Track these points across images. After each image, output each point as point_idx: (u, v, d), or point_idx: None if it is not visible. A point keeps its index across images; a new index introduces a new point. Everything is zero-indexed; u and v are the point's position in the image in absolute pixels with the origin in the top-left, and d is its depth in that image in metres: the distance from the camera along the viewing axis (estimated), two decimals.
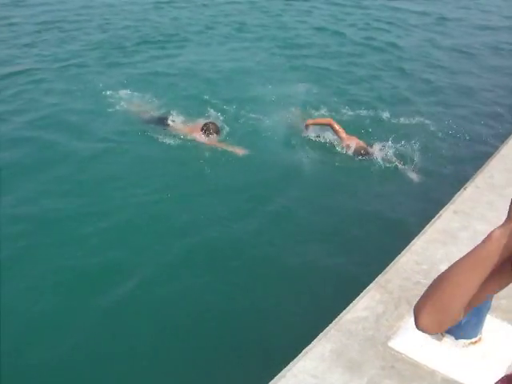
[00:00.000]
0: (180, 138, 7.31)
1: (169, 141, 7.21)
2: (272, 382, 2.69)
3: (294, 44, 11.86)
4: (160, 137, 7.26)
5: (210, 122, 7.49)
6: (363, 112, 8.80)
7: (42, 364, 4.00)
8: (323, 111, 8.31)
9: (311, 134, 7.22)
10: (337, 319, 3.08)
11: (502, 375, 2.63)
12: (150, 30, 12.63)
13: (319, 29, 13.77)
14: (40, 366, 3.98)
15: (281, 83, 9.31)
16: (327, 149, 7.02)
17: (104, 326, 4.40)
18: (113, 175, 6.52)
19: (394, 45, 13.18)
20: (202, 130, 7.31)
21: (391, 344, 2.93)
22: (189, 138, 7.38)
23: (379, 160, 6.82)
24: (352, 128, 7.61)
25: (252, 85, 9.76)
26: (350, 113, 8.48)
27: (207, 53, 11.84)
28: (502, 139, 6.14)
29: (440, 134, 8.45)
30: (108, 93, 9.11)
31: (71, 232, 5.46)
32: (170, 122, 7.57)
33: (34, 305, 4.52)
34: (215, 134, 7.38)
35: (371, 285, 3.37)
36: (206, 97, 8.84)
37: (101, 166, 6.71)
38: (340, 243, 6.00)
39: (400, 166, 6.76)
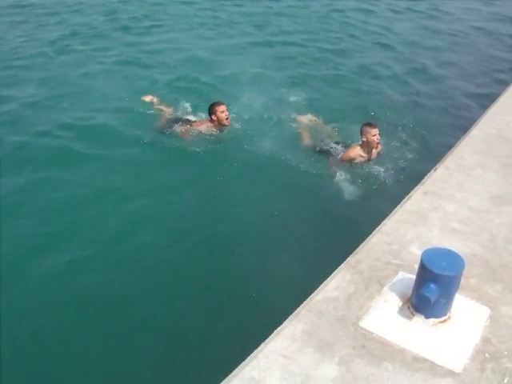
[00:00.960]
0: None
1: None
2: (243, 363, 2.72)
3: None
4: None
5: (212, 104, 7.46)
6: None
7: None
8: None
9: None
10: (308, 300, 3.12)
11: (470, 352, 2.73)
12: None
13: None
14: None
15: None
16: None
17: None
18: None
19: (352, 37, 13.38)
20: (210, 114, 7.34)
21: (362, 324, 2.99)
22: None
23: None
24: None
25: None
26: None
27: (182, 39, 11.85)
28: (472, 122, 6.24)
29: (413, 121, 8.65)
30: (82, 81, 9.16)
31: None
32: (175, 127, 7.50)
33: None
34: (222, 105, 7.35)
35: (342, 265, 3.43)
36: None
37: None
38: (312, 228, 6.12)
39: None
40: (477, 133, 5.59)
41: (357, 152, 6.93)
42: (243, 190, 6.58)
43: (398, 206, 4.15)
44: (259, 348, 2.78)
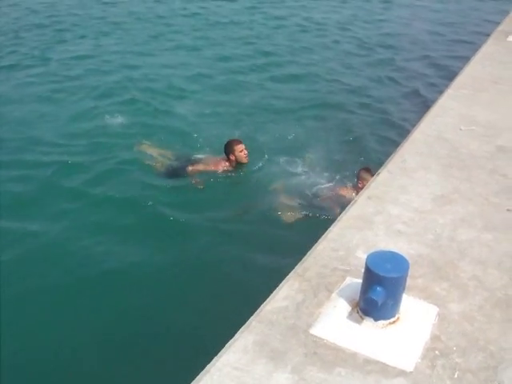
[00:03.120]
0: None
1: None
2: (197, 378, 2.78)
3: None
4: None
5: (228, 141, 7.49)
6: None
7: None
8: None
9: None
10: (258, 311, 3.20)
11: (421, 350, 2.86)
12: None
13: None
14: None
15: None
16: None
17: None
18: None
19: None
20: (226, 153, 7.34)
21: (312, 331, 3.08)
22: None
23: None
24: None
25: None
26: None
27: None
28: (413, 123, 6.47)
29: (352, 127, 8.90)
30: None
31: None
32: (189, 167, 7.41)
33: None
34: (241, 144, 7.34)
35: (290, 274, 3.53)
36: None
37: None
38: (260, 241, 6.29)
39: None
40: (418, 135, 5.80)
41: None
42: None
43: (343, 212, 4.28)
44: (212, 362, 2.84)
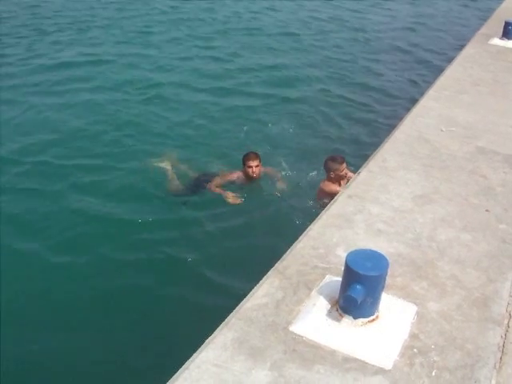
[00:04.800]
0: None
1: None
2: (175, 375, 2.79)
3: None
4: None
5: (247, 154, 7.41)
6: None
7: None
8: None
9: None
10: (237, 308, 3.23)
11: (399, 348, 2.90)
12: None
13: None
14: None
15: None
16: None
17: None
18: None
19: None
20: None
21: (292, 328, 3.11)
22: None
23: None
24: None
25: None
26: None
27: None
28: (395, 124, 6.53)
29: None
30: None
31: None
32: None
33: None
34: (251, 160, 7.29)
35: (270, 272, 3.56)
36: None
37: None
38: (241, 240, 6.33)
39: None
40: (399, 135, 5.86)
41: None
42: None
43: (324, 211, 4.32)
44: (191, 358, 2.86)
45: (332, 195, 6.60)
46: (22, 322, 5.13)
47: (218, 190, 7.31)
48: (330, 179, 6.91)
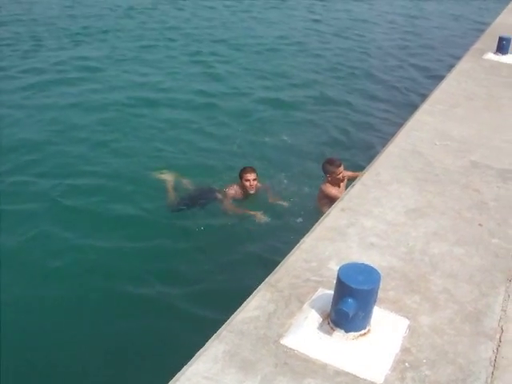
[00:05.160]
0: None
1: None
2: None
3: None
4: None
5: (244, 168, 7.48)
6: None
7: None
8: None
9: None
10: (229, 320, 3.22)
11: (391, 362, 2.89)
12: None
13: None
14: None
15: None
16: None
17: None
18: None
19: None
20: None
21: (283, 341, 3.10)
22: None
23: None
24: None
25: None
26: None
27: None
28: (389, 137, 6.56)
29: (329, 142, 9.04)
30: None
31: None
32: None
33: None
34: (248, 174, 7.40)
35: (262, 285, 3.55)
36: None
37: None
38: (234, 253, 6.34)
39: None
40: (393, 149, 5.88)
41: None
42: None
43: (316, 224, 4.32)
44: (181, 371, 2.85)
45: (331, 198, 6.67)
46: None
47: (241, 211, 7.38)
48: (328, 182, 7.04)
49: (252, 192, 7.43)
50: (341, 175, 6.99)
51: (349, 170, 7.44)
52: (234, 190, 7.51)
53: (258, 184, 7.57)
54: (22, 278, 5.85)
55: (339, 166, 7.00)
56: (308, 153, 9.04)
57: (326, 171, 7.14)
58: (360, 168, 5.89)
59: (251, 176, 7.39)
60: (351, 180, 6.53)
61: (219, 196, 7.45)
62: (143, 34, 15.43)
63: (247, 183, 7.34)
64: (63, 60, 12.68)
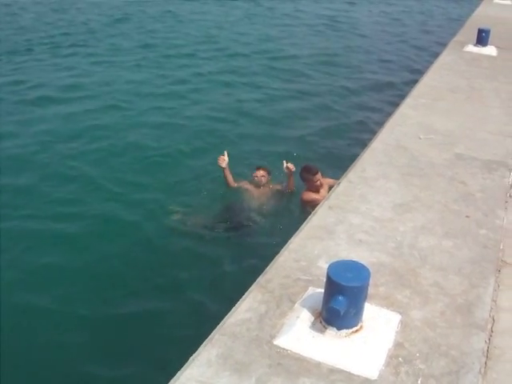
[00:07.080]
0: None
1: None
2: None
3: None
4: None
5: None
6: None
7: None
8: None
9: None
10: (221, 324, 3.23)
11: (384, 358, 2.91)
12: None
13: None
14: None
15: None
16: None
17: None
18: None
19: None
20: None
21: (276, 342, 3.12)
22: None
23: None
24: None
25: None
26: None
27: None
28: (373, 133, 6.60)
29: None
30: None
31: None
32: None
33: None
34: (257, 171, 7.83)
35: (252, 286, 3.56)
36: None
37: None
38: (222, 256, 6.34)
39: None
40: (377, 145, 5.91)
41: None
42: None
43: (304, 223, 4.35)
44: (176, 376, 2.86)
45: (312, 203, 6.69)
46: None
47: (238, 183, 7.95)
48: (308, 188, 7.10)
49: (261, 184, 7.87)
50: (318, 182, 7.05)
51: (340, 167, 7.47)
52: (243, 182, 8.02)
53: (271, 185, 7.96)
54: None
55: (315, 173, 7.05)
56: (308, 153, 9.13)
57: (303, 179, 7.22)
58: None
59: (260, 172, 7.88)
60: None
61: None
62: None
63: (256, 179, 7.87)
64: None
